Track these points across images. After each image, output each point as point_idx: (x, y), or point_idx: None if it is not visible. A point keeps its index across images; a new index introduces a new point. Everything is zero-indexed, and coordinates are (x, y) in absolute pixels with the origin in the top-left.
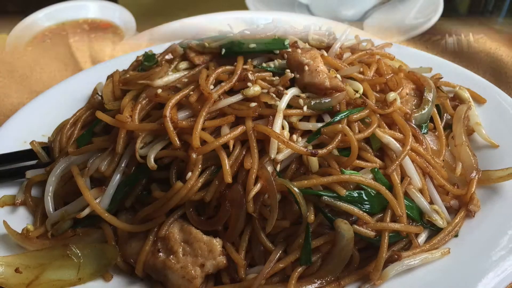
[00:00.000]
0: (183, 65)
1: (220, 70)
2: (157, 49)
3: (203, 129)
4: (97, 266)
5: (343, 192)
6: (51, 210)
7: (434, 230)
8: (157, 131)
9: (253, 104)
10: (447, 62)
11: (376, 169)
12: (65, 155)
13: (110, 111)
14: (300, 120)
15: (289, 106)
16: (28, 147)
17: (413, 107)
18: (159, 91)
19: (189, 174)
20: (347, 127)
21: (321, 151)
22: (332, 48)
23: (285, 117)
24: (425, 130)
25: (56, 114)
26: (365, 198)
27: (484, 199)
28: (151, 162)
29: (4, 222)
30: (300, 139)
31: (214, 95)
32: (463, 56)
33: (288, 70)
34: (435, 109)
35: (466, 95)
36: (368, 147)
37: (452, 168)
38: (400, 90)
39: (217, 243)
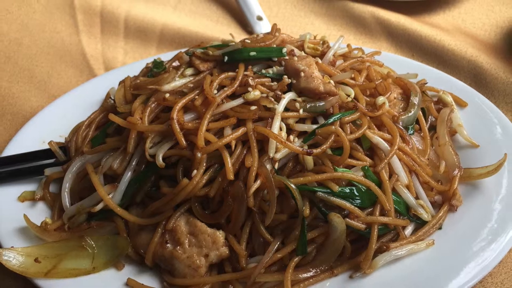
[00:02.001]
0: (189, 71)
1: (223, 76)
2: (165, 57)
3: (207, 130)
4: (110, 256)
5: (336, 188)
6: (68, 204)
7: (420, 223)
8: (165, 132)
9: (253, 107)
10: (432, 68)
11: (366, 167)
12: (81, 154)
13: (122, 114)
14: (296, 122)
15: (286, 109)
16: (47, 147)
17: (401, 110)
18: (167, 95)
19: (195, 171)
20: (339, 129)
21: (316, 151)
22: (326, 55)
23: (283, 119)
24: (411, 131)
25: (72, 116)
26: (356, 193)
27: (465, 194)
28: (159, 160)
29: (25, 215)
30: (296, 139)
31: (217, 99)
32: (446, 63)
33: (285, 76)
34: (420, 112)
35: (449, 99)
36: (359, 146)
37: (436, 166)
38: (388, 94)
39: (220, 235)
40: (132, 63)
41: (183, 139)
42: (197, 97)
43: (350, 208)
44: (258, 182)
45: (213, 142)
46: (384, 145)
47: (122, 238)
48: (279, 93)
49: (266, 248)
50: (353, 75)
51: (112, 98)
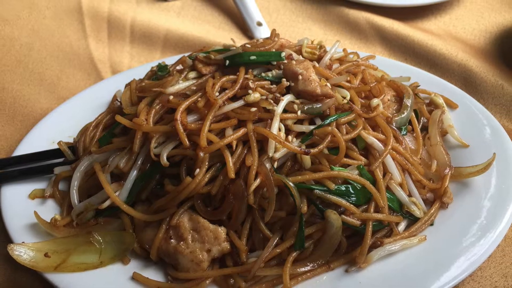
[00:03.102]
0: (192, 74)
1: (224, 79)
2: (169, 61)
3: (209, 130)
4: (117, 251)
5: (333, 186)
6: (76, 202)
7: (412, 220)
8: (169, 133)
9: (254, 109)
10: (424, 72)
11: (361, 166)
12: (88, 154)
13: (128, 115)
14: (294, 123)
15: (285, 110)
16: (56, 146)
17: (394, 112)
18: (171, 97)
19: (197, 170)
20: (336, 129)
21: (313, 150)
22: (323, 59)
23: (282, 120)
24: (404, 132)
25: (80, 117)
26: (352, 191)
27: (456, 192)
28: (163, 159)
29: (35, 212)
30: (295, 139)
31: (219, 101)
32: (438, 67)
33: (284, 79)
34: (413, 113)
35: (440, 101)
36: (354, 146)
37: (428, 165)
38: (382, 96)
39: (222, 231)
40: (137, 66)
41: (186, 139)
42: (199, 99)
43: (346, 205)
44: (258, 180)
45: (215, 142)
46: (379, 145)
47: (128, 234)
48: (278, 95)
49: (266, 244)
50: (348, 78)
51: (119, 100)
